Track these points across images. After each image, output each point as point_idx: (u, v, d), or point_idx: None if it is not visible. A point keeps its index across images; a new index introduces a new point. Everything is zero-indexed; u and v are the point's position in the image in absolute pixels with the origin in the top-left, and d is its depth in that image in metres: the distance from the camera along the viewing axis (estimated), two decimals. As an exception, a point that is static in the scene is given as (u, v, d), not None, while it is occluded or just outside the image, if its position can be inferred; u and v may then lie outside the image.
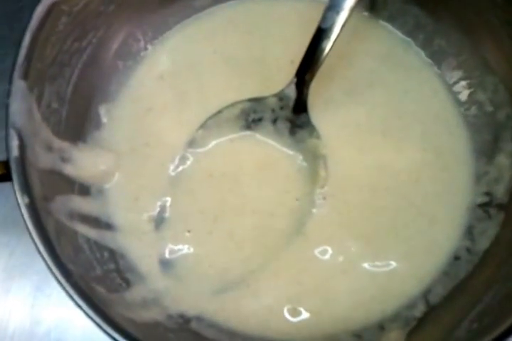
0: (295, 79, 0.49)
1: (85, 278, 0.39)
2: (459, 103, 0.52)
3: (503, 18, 0.46)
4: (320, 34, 0.47)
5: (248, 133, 0.52)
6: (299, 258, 0.47)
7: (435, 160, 0.50)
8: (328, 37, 0.46)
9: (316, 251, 0.47)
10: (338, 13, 0.46)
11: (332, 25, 0.46)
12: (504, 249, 0.44)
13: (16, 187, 0.38)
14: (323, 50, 0.47)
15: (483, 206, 0.48)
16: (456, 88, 0.53)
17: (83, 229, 0.45)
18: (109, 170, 0.50)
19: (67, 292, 0.36)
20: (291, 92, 0.50)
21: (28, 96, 0.41)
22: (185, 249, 0.48)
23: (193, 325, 0.45)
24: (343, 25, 0.46)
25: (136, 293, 0.45)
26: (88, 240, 0.44)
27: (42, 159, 0.42)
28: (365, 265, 0.47)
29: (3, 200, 0.55)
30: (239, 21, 0.56)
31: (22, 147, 0.40)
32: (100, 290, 0.40)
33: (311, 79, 0.49)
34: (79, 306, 0.36)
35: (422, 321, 0.44)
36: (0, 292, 0.53)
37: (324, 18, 0.46)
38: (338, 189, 0.49)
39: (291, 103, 0.50)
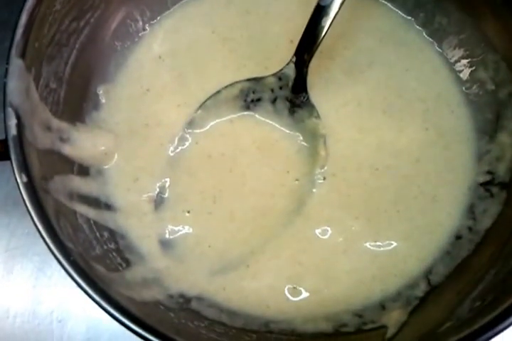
0: (294, 58, 0.49)
1: (84, 257, 0.39)
2: (460, 82, 0.52)
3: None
4: (319, 11, 0.46)
5: (247, 113, 0.51)
6: (299, 239, 0.47)
7: (436, 139, 0.50)
8: (328, 14, 0.46)
9: (317, 231, 0.47)
10: (337, -10, 0.45)
11: (331, 2, 0.46)
12: (506, 227, 0.44)
13: (15, 165, 0.38)
14: (322, 28, 0.46)
15: (485, 185, 0.48)
16: (458, 67, 0.52)
17: (82, 209, 0.45)
18: (109, 150, 0.49)
19: (65, 270, 0.36)
20: (291, 71, 0.49)
21: (25, 75, 0.41)
22: (185, 229, 0.48)
23: (194, 304, 0.45)
24: (342, 3, 0.46)
25: (136, 273, 0.45)
26: (87, 220, 0.44)
27: (40, 139, 0.42)
28: (366, 244, 0.47)
29: (3, 182, 0.55)
30: (237, 1, 0.56)
31: (20, 126, 0.40)
32: (100, 268, 0.40)
33: (310, 58, 0.48)
34: (78, 284, 0.36)
35: (423, 300, 0.44)
36: (2, 273, 0.53)
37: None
38: (338, 168, 0.49)
39: (291, 82, 0.50)
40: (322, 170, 0.48)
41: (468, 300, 0.39)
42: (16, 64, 0.40)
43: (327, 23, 0.46)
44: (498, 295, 0.37)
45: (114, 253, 0.45)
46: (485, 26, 0.51)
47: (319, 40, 0.47)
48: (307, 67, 0.49)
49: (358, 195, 0.48)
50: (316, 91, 0.52)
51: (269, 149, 0.50)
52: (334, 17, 0.46)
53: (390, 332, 0.42)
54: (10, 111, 0.39)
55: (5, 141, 0.38)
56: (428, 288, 0.45)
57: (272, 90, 0.50)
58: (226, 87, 0.50)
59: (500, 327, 0.34)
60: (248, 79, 0.50)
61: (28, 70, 0.41)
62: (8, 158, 0.39)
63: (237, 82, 0.50)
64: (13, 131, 0.39)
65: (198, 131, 0.51)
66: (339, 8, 0.46)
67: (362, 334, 0.43)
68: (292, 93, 0.50)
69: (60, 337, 0.52)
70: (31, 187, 0.38)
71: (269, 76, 0.50)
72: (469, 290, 0.41)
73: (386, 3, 0.55)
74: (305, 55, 0.48)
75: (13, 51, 0.40)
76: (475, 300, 0.39)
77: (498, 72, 0.49)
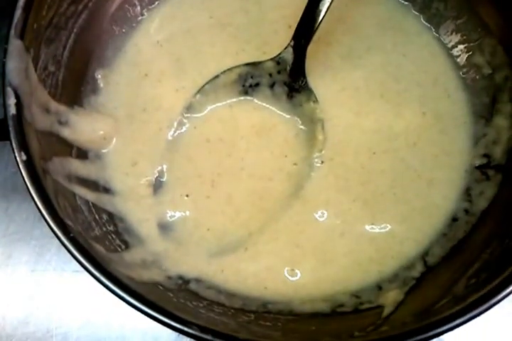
0: (292, 43, 0.49)
1: (84, 236, 0.39)
2: (457, 66, 0.52)
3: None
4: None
5: (246, 98, 0.51)
6: (297, 222, 0.47)
7: (433, 123, 0.50)
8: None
9: (314, 214, 0.47)
10: (334, -26, 0.45)
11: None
12: (502, 208, 0.44)
13: (14, 143, 0.38)
14: (319, 13, 0.47)
15: (481, 168, 0.48)
16: (455, 51, 0.53)
17: (81, 191, 0.45)
18: (107, 135, 0.50)
19: (65, 246, 0.36)
20: (289, 56, 0.50)
21: (24, 55, 0.41)
22: (183, 212, 0.48)
23: (192, 286, 0.45)
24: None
25: (135, 255, 0.45)
26: (86, 202, 0.45)
27: (39, 120, 0.42)
28: (363, 227, 0.47)
29: (1, 168, 0.55)
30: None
31: (19, 105, 0.40)
32: (99, 248, 0.40)
33: (308, 42, 0.48)
34: (77, 260, 0.36)
35: (420, 280, 0.45)
36: (0, 257, 0.53)
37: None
38: (336, 152, 0.49)
39: (289, 67, 0.50)
40: (320, 154, 0.49)
41: (463, 278, 0.40)
42: (15, 44, 0.40)
43: (324, 7, 0.46)
44: (492, 272, 0.37)
45: (113, 235, 0.45)
46: (481, 11, 0.51)
47: (317, 25, 0.47)
48: (305, 51, 0.49)
49: (355, 178, 0.48)
50: (314, 76, 0.52)
51: (267, 133, 0.50)
52: (331, 2, 0.46)
53: (387, 310, 0.42)
54: (9, 90, 0.39)
55: (4, 121, 0.38)
56: (424, 269, 0.45)
57: (271, 75, 0.50)
58: (224, 71, 0.51)
59: (493, 301, 0.34)
60: (246, 64, 0.51)
61: (27, 51, 0.41)
62: (7, 139, 0.39)
63: (235, 67, 0.51)
64: (12, 110, 0.39)
65: (196, 115, 0.51)
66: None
67: (359, 314, 0.44)
68: (290, 77, 0.50)
69: (59, 322, 0.53)
70: (30, 165, 0.38)
71: (267, 60, 0.50)
72: (465, 269, 0.41)
73: (384, -14, 0.54)
74: (303, 40, 0.48)
75: (12, 31, 0.40)
76: (470, 278, 0.40)
77: (495, 56, 0.50)
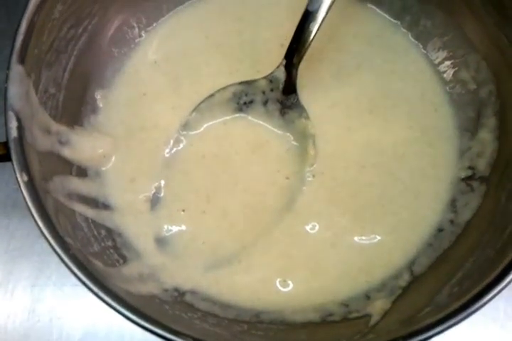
0: (284, 62, 0.51)
1: (83, 252, 0.41)
2: (444, 82, 0.54)
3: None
4: (307, 16, 0.48)
5: (240, 115, 0.53)
6: (289, 234, 0.49)
7: (421, 136, 0.52)
8: (315, 19, 0.48)
9: (306, 227, 0.49)
10: (324, -5, 0.47)
11: (319, 7, 0.48)
12: (485, 218, 0.46)
13: (16, 165, 0.40)
14: (310, 32, 0.48)
15: (466, 179, 0.50)
16: (441, 68, 0.54)
17: (81, 208, 0.47)
18: (106, 153, 0.52)
19: (65, 263, 0.38)
20: (281, 74, 0.52)
21: (25, 80, 0.43)
22: (179, 227, 0.50)
23: (188, 298, 0.47)
24: (330, 8, 0.48)
25: (132, 268, 0.47)
26: (86, 218, 0.46)
27: (40, 141, 0.44)
28: (353, 238, 0.49)
29: (2, 184, 0.57)
30: (231, 7, 0.58)
31: (20, 129, 0.42)
32: (98, 263, 0.42)
33: (299, 61, 0.50)
34: (76, 276, 0.38)
35: (406, 289, 0.46)
36: (1, 273, 0.55)
37: (311, 0, 0.48)
38: (327, 167, 0.51)
39: (281, 85, 0.52)
40: (311, 169, 0.50)
41: (447, 286, 0.41)
42: (17, 70, 0.42)
43: (315, 27, 0.48)
44: (474, 280, 0.39)
45: (111, 250, 0.47)
46: (466, 28, 0.53)
47: (307, 44, 0.49)
48: (297, 69, 0.51)
49: (345, 191, 0.50)
50: (306, 93, 0.54)
51: (261, 149, 0.52)
52: (322, 22, 0.48)
53: (374, 319, 0.44)
54: (11, 114, 0.41)
55: (6, 143, 0.40)
56: (411, 278, 0.47)
57: (264, 92, 0.52)
58: (219, 90, 0.53)
59: (473, 308, 0.36)
60: (240, 83, 0.53)
61: (27, 76, 0.43)
62: (9, 160, 0.41)
63: (229, 85, 0.52)
64: (14, 133, 0.41)
65: (192, 132, 0.53)
66: (326, 13, 0.48)
67: (347, 323, 0.45)
68: (283, 95, 0.52)
69: (59, 334, 0.54)
70: (32, 185, 0.40)
71: (260, 79, 0.52)
72: (449, 278, 0.42)
73: (374, 7, 0.57)
74: (294, 58, 0.50)
75: (14, 57, 0.42)
76: (453, 286, 0.41)
77: (479, 71, 0.51)
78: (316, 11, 0.48)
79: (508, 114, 0.48)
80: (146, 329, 0.36)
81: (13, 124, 0.41)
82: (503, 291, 0.36)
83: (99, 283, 0.38)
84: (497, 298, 0.36)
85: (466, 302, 0.36)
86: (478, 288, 0.36)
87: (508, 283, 0.36)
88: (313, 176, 0.51)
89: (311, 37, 0.49)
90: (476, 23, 0.51)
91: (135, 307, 0.37)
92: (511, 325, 0.52)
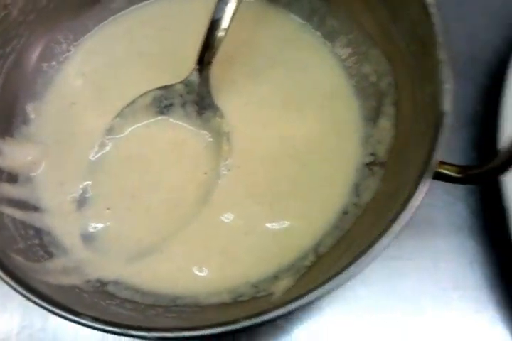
0: (196, 67, 0.55)
1: (5, 250, 0.45)
2: (350, 76, 0.58)
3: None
4: (213, 24, 0.53)
5: (162, 117, 0.57)
6: (206, 225, 0.52)
7: (330, 128, 0.56)
8: (220, 26, 0.52)
9: (221, 217, 0.53)
10: (226, 4, 0.52)
11: (222, 15, 0.52)
12: (381, 199, 0.49)
13: None
14: (216, 38, 0.53)
15: (368, 165, 0.53)
16: (347, 63, 0.58)
17: (10, 211, 0.50)
18: (36, 160, 0.55)
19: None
20: (195, 78, 0.56)
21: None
22: (105, 224, 0.54)
23: (110, 287, 0.50)
24: (233, 15, 0.52)
25: (57, 263, 0.50)
26: (14, 219, 0.50)
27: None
28: (265, 225, 0.52)
29: None
30: (153, 20, 0.63)
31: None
32: (19, 259, 0.46)
33: (209, 65, 0.54)
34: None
35: (310, 268, 0.49)
36: None
37: (216, 9, 0.52)
38: (243, 161, 0.55)
39: (196, 87, 0.56)
40: (226, 163, 0.54)
41: (340, 262, 0.45)
42: None
43: (220, 33, 0.52)
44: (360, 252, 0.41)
45: (37, 248, 0.50)
46: (366, 25, 0.56)
47: (215, 49, 0.53)
48: (208, 72, 0.55)
49: (259, 183, 0.54)
50: (222, 94, 0.58)
51: (181, 148, 0.56)
52: (227, 28, 0.52)
53: (277, 296, 0.47)
54: None
55: None
56: (316, 258, 0.50)
57: (181, 95, 0.56)
58: (140, 95, 0.57)
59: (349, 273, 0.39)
60: (159, 88, 0.57)
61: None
62: None
63: (149, 91, 0.57)
64: None
65: (117, 136, 0.57)
66: (230, 21, 0.52)
67: (254, 301, 0.48)
68: (198, 97, 0.56)
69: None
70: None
71: (177, 83, 0.56)
72: (344, 252, 0.46)
73: (285, 10, 0.61)
74: (204, 63, 0.54)
75: None
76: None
77: (379, 65, 0.55)
78: (221, 19, 0.52)
79: (403, 104, 0.52)
80: (48, 310, 0.40)
81: None
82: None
83: (12, 274, 0.41)
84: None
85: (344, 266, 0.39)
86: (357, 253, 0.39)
87: (383, 248, 0.38)
88: (229, 170, 0.54)
89: (218, 42, 0.53)
90: (373, 18, 0.55)
91: (44, 293, 0.41)
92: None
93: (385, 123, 0.53)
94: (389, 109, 0.53)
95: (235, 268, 0.50)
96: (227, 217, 0.53)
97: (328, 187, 0.53)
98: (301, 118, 0.57)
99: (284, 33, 0.60)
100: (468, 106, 0.62)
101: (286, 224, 0.52)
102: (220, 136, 0.55)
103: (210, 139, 0.55)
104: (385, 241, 0.38)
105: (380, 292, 0.56)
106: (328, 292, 0.37)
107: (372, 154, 0.53)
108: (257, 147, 0.55)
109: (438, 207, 0.59)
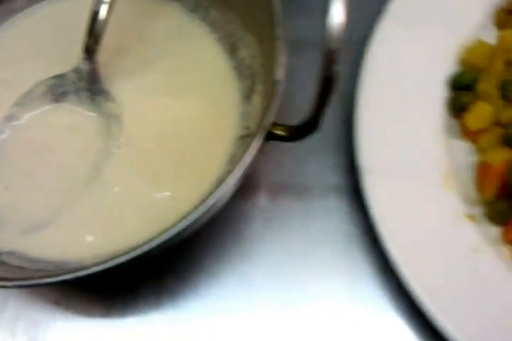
0: (84, 55, 0.60)
1: None
2: (231, 60, 0.64)
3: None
4: (94, 15, 0.58)
5: (59, 104, 0.62)
6: (96, 199, 0.57)
7: (213, 107, 0.61)
8: (99, 17, 0.58)
9: (110, 191, 0.57)
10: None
11: (99, 7, 0.57)
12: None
13: None
14: (97, 28, 0.58)
15: (243, 138, 0.59)
16: (229, 49, 0.64)
17: None
18: None
19: None
20: (84, 66, 0.61)
21: None
22: (3, 202, 0.58)
23: (4, 257, 0.55)
24: (111, 6, 0.57)
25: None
26: None
27: None
28: (149, 196, 0.57)
29: None
30: (51, 17, 0.68)
31: None
32: None
33: (94, 53, 0.60)
34: None
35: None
36: None
37: (94, 1, 0.57)
38: (131, 140, 0.60)
39: (85, 75, 0.61)
40: (117, 142, 0.59)
41: None
42: None
43: (99, 23, 0.58)
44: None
45: None
46: (242, 15, 0.62)
47: (98, 39, 0.59)
48: (94, 60, 0.60)
49: (145, 159, 0.59)
50: (115, 81, 0.63)
51: (75, 130, 0.61)
52: (106, 17, 0.58)
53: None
54: None
55: None
56: None
57: (74, 83, 0.61)
58: (35, 84, 0.62)
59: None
60: (53, 77, 0.62)
61: None
62: None
63: (44, 80, 0.62)
64: None
65: (15, 123, 0.61)
66: (109, 11, 0.58)
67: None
68: (89, 83, 0.61)
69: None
70: None
71: (68, 72, 0.61)
72: None
73: (174, 2, 0.67)
74: (90, 52, 0.60)
75: None
76: None
77: (253, 49, 0.61)
78: (99, 11, 0.57)
79: (268, 81, 0.57)
80: None
81: None
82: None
83: None
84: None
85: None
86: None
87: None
88: (119, 149, 0.59)
89: (100, 32, 0.58)
90: (248, 11, 0.61)
91: None
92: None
93: (256, 99, 0.59)
94: (259, 87, 0.59)
95: (121, 233, 0.55)
96: (115, 191, 0.57)
97: (206, 160, 0.58)
98: (186, 101, 0.62)
99: (173, 24, 0.66)
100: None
101: (167, 194, 0.57)
102: (111, 119, 0.60)
103: (103, 122, 0.60)
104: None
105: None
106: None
107: (247, 128, 0.59)
108: (145, 128, 0.61)
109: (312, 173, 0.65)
